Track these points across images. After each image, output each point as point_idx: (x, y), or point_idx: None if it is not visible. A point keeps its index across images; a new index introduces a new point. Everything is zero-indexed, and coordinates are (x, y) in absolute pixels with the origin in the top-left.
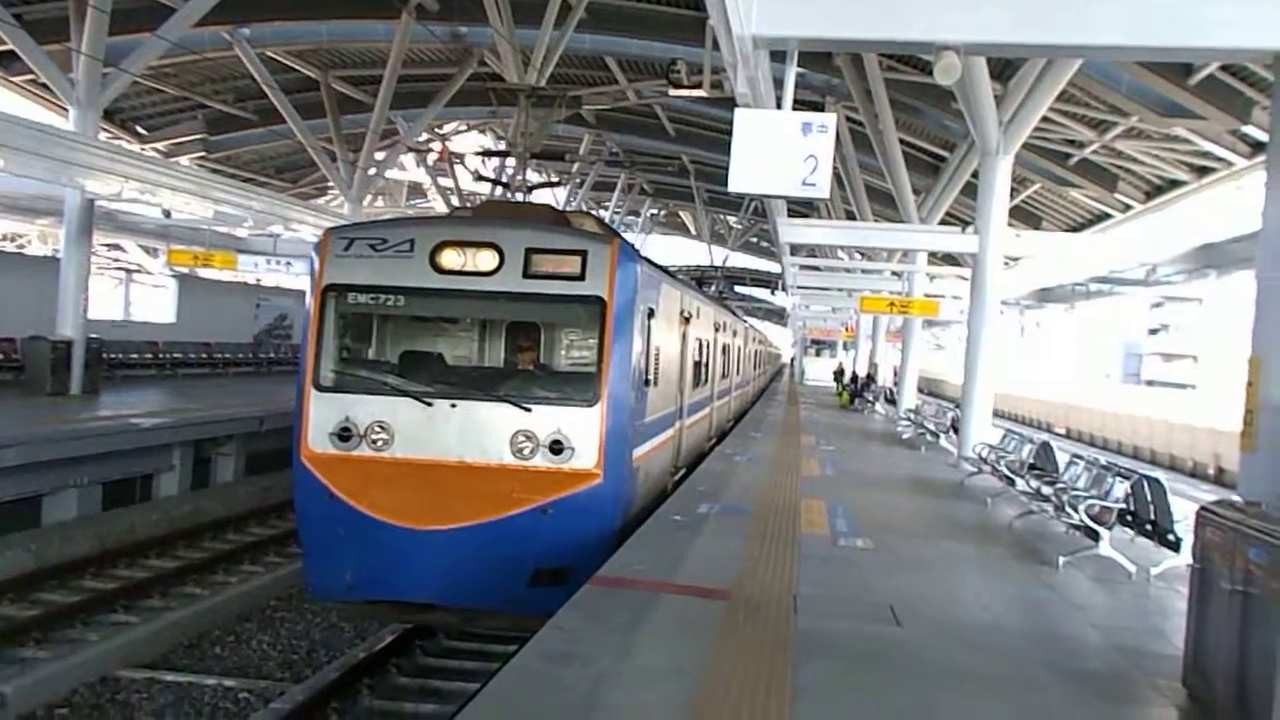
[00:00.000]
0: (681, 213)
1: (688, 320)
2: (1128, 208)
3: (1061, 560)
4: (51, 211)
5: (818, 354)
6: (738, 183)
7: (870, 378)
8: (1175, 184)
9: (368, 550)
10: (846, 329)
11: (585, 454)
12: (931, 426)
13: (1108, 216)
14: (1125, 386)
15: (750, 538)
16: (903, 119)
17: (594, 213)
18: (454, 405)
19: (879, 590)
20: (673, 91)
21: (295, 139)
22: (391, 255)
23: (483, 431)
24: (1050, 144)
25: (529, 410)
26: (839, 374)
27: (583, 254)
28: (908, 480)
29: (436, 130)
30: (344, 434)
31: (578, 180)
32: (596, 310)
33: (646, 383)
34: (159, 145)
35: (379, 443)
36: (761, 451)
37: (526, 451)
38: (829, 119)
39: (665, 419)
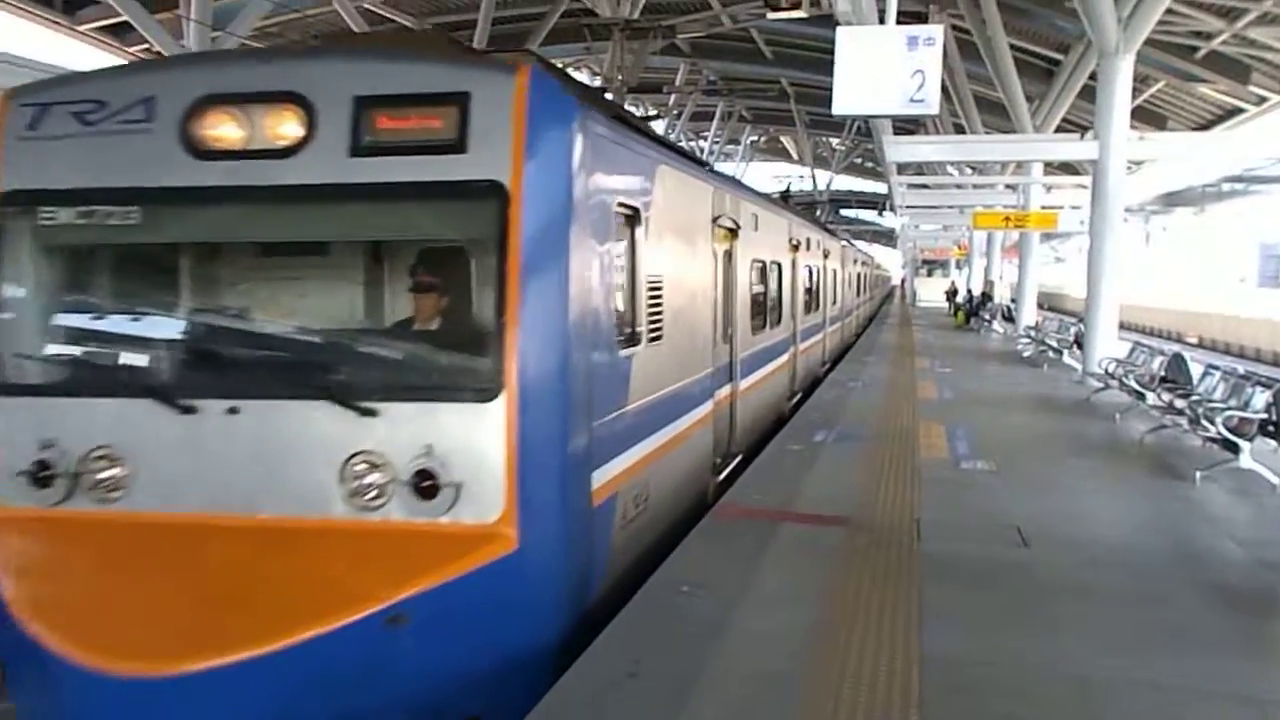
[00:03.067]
0: (782, 138)
1: (734, 234)
2: (1262, 100)
3: (1198, 475)
4: None
5: (929, 274)
6: (842, 104)
7: (986, 295)
8: None
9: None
10: (959, 247)
11: (482, 495)
12: (1053, 343)
13: (1240, 111)
14: (1262, 291)
15: (868, 464)
16: (1012, 22)
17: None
18: (234, 410)
19: (1004, 512)
20: (770, 14)
21: None
22: (116, 131)
23: (287, 458)
24: (1175, 38)
25: (372, 414)
26: (951, 293)
27: (459, 101)
28: (1030, 399)
29: None
30: (40, 473)
31: (675, 112)
32: (490, 209)
33: (631, 339)
34: None
35: (105, 487)
36: (875, 375)
37: (372, 494)
38: (935, 30)
39: (687, 395)
